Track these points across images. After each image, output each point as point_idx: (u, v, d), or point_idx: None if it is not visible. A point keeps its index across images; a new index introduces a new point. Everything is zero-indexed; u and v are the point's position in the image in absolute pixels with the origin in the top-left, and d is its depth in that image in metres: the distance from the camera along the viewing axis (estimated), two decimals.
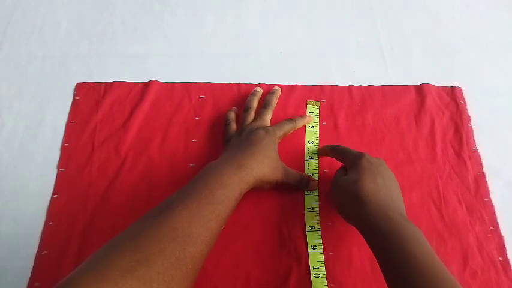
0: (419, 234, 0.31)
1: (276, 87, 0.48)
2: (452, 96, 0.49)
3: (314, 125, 0.47)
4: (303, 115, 0.46)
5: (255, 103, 0.46)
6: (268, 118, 0.45)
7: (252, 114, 0.45)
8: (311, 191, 0.42)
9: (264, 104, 0.46)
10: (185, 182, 0.42)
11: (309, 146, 0.45)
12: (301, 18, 0.56)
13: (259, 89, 0.48)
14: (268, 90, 0.49)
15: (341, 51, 0.53)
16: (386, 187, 0.36)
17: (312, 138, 0.46)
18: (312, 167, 0.44)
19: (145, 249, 0.26)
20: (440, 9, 0.57)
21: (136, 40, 0.53)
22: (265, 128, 0.42)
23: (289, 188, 0.42)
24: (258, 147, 0.39)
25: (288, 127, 0.44)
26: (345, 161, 0.40)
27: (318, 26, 0.55)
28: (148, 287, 0.25)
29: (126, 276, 0.24)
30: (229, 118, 0.46)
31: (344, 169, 0.40)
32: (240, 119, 0.46)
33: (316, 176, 0.43)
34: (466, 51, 0.53)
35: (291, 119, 0.45)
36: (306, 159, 0.45)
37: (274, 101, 0.47)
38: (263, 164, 0.38)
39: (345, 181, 0.37)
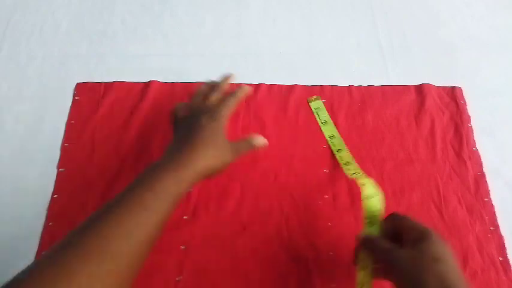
0: None
1: (246, 87, 0.44)
2: (452, 96, 0.49)
3: (325, 119, 0.47)
4: (240, 86, 0.43)
5: (206, 87, 0.43)
6: (214, 100, 0.41)
7: (199, 98, 0.42)
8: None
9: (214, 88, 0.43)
10: None
11: (332, 140, 0.45)
12: (301, 18, 0.56)
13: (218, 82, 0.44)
14: (269, 90, 0.49)
15: (341, 51, 0.53)
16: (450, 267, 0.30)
17: (331, 132, 0.46)
18: (345, 158, 0.44)
19: (62, 267, 0.26)
20: (440, 9, 0.57)
21: (136, 40, 0.53)
22: (209, 112, 0.39)
23: (289, 188, 0.42)
24: (201, 139, 0.37)
25: (231, 103, 0.41)
26: (408, 234, 0.33)
27: (318, 26, 0.55)
28: None
29: None
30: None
31: (394, 239, 0.34)
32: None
33: (352, 165, 0.42)
34: (466, 51, 0.53)
35: (231, 94, 0.42)
36: (335, 152, 0.45)
37: (224, 85, 0.43)
38: (206, 157, 0.36)
39: (406, 260, 0.31)
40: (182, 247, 0.39)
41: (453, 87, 0.50)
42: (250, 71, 0.51)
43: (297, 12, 0.56)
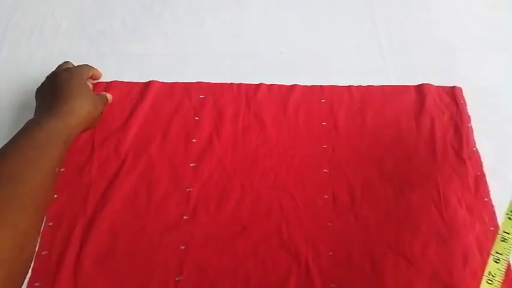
0: None
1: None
2: (452, 96, 0.49)
3: None
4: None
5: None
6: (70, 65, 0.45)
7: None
8: None
9: None
10: (185, 181, 0.43)
11: None
12: (301, 18, 0.56)
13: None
14: (269, 90, 0.49)
15: (341, 51, 0.53)
16: None
17: None
18: None
19: None
20: (440, 9, 0.57)
21: (136, 40, 0.53)
22: (66, 69, 0.42)
23: (288, 187, 0.42)
24: (71, 89, 0.40)
25: (87, 68, 0.44)
26: None
27: (318, 26, 0.55)
28: None
29: None
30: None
31: None
32: None
33: None
34: (466, 51, 0.53)
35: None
36: None
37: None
38: (83, 104, 0.39)
39: None
40: (182, 247, 0.39)
41: (453, 87, 0.50)
42: (250, 71, 0.51)
43: (297, 12, 0.56)
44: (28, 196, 0.30)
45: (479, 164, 0.45)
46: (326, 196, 0.43)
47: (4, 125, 0.46)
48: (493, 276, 0.35)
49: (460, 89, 0.50)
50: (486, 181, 0.44)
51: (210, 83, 0.49)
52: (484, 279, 0.36)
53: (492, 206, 0.42)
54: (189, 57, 0.52)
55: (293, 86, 0.49)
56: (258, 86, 0.49)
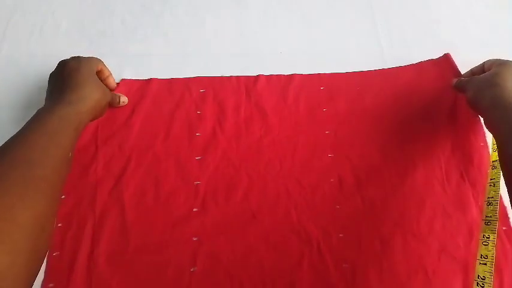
0: None
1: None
2: (446, 65, 0.50)
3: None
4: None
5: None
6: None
7: None
8: None
9: None
10: (192, 175, 0.44)
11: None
12: (301, 18, 0.56)
13: None
14: (268, 81, 0.49)
15: (341, 51, 0.53)
16: None
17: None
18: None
19: None
20: (440, 9, 0.57)
21: (136, 40, 0.53)
22: (75, 58, 0.42)
23: (295, 174, 0.43)
24: (81, 77, 0.40)
25: (96, 59, 0.44)
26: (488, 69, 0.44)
27: (318, 26, 0.55)
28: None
29: None
30: None
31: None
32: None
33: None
34: (466, 51, 0.53)
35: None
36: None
37: None
38: (93, 91, 0.40)
39: (474, 83, 0.43)
40: (194, 238, 0.40)
41: (444, 55, 0.51)
42: (250, 71, 0.50)
43: (297, 12, 0.56)
44: (43, 179, 0.31)
45: (481, 134, 0.45)
46: (332, 180, 0.43)
47: (4, 125, 0.46)
48: (483, 279, 0.37)
49: (448, 54, 0.51)
50: (489, 152, 0.44)
51: (209, 76, 0.50)
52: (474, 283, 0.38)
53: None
54: (189, 57, 0.52)
55: (292, 76, 0.50)
56: (257, 78, 0.49)
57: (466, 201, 0.42)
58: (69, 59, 0.42)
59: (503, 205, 0.41)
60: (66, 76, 0.40)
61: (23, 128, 0.35)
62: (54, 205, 0.33)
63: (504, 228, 0.41)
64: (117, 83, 0.48)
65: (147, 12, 0.56)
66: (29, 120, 0.36)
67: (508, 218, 0.41)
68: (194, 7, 0.56)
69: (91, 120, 0.42)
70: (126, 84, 0.49)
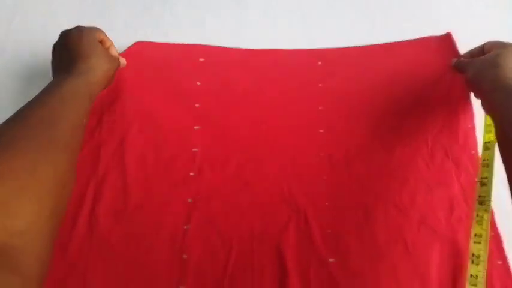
0: None
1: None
2: (446, 44, 0.50)
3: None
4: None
5: None
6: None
7: None
8: None
9: None
10: (191, 144, 0.45)
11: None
12: (301, 18, 0.56)
13: None
14: (267, 55, 0.50)
15: None
16: None
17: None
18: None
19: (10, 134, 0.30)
20: (440, 9, 0.57)
21: (136, 40, 0.53)
22: (77, 27, 0.42)
23: (288, 148, 0.45)
24: (86, 48, 0.40)
25: (97, 29, 0.44)
26: (488, 50, 0.44)
27: (318, 26, 0.55)
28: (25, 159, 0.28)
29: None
30: None
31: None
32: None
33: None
34: (466, 51, 0.53)
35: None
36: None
37: None
38: (100, 61, 0.40)
39: (475, 65, 0.43)
40: (189, 200, 0.42)
41: (446, 34, 0.51)
42: None
43: (297, 12, 0.56)
44: (62, 140, 0.32)
45: (471, 115, 0.46)
46: (322, 154, 0.45)
47: None
48: (476, 278, 0.38)
49: (450, 33, 0.51)
50: (475, 134, 0.45)
51: (210, 45, 0.51)
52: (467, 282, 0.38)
53: (478, 159, 0.44)
54: None
55: (290, 51, 0.51)
56: (256, 52, 0.50)
57: (449, 178, 0.43)
58: (70, 29, 0.42)
59: (498, 234, 0.41)
60: (71, 47, 0.40)
61: (35, 97, 0.35)
62: (73, 165, 0.34)
63: (499, 262, 0.40)
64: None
65: (147, 12, 0.56)
66: (39, 93, 0.36)
67: (504, 250, 0.41)
68: (194, 7, 0.56)
69: (102, 90, 0.42)
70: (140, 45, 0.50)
